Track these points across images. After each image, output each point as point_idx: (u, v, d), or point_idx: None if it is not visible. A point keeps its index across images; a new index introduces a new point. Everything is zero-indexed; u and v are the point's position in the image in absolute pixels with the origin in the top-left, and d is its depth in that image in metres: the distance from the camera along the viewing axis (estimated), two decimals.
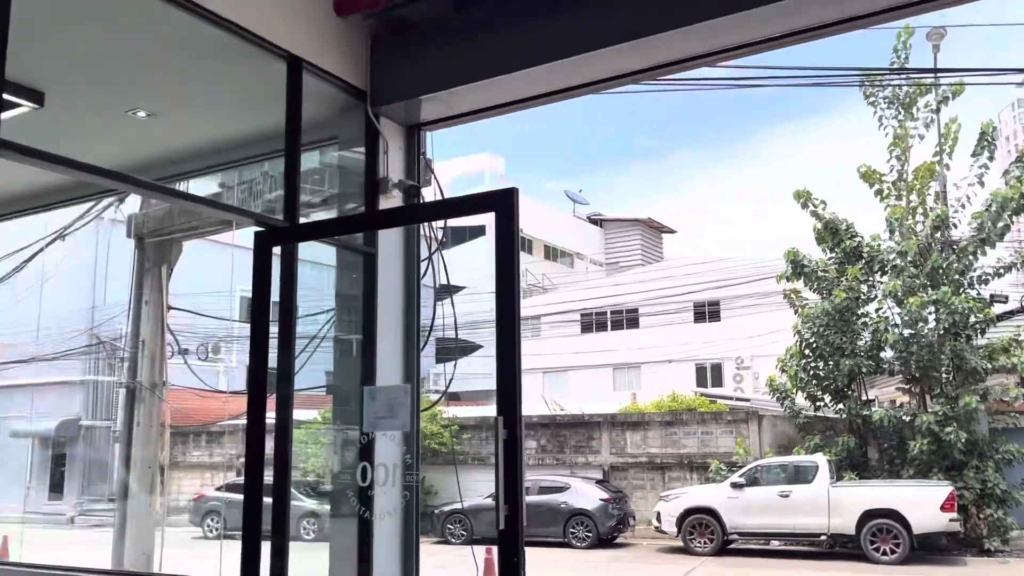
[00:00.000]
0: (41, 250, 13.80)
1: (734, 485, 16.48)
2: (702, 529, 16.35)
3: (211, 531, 19.65)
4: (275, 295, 4.41)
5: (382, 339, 4.81)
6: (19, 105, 4.52)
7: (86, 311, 23.95)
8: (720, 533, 16.20)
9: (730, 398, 22.30)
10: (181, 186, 5.99)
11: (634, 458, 19.95)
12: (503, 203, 3.64)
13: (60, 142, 3.66)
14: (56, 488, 25.88)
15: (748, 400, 21.43)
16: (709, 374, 29.86)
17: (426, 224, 5.22)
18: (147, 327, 11.34)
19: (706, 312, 30.18)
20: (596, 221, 41.96)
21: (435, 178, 5.52)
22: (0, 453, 25.65)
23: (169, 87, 4.83)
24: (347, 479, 5.03)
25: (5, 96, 3.31)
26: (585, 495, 17.60)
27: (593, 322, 32.32)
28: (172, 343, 12.64)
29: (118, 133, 5.30)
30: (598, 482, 18.79)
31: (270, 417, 4.41)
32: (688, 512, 16.48)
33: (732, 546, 16.62)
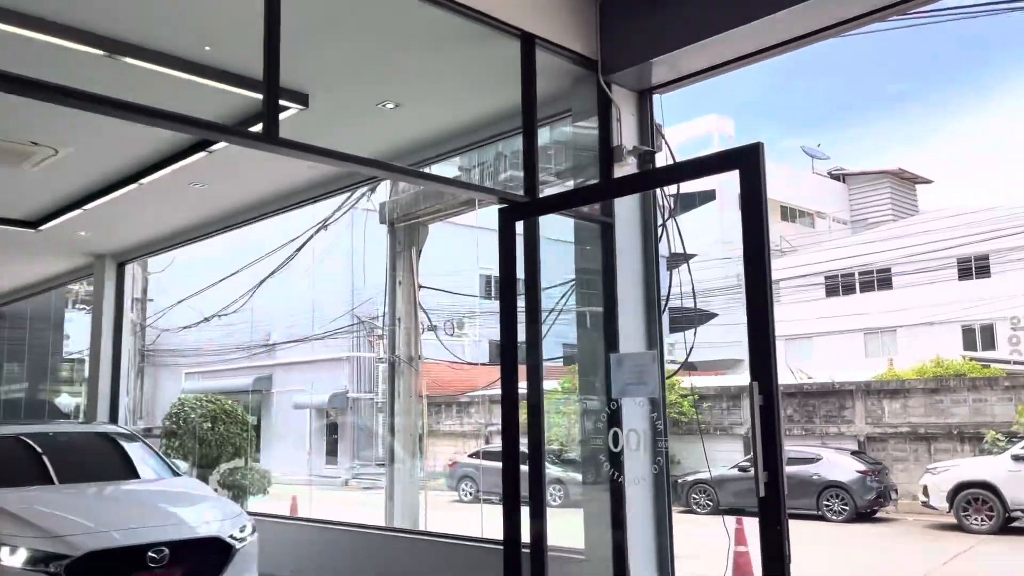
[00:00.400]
0: (309, 240, 15.34)
1: (1016, 458, 14.79)
2: (978, 505, 14.86)
3: (466, 495, 20.86)
4: (520, 272, 4.58)
5: (623, 307, 4.82)
6: (288, 108, 5.02)
7: (347, 294, 26.28)
8: (1001, 510, 14.63)
9: (1006, 362, 19.99)
10: (427, 171, 6.35)
11: (893, 428, 18.50)
12: (748, 159, 3.50)
13: (323, 138, 4.01)
14: (331, 454, 28.80)
15: None
16: (979, 336, 26.90)
17: (658, 191, 5.16)
18: (401, 305, 12.27)
19: (972, 268, 27.16)
20: (838, 176, 39.15)
21: (666, 143, 5.42)
22: (286, 423, 28.93)
23: (412, 78, 5.12)
24: (594, 447, 5.13)
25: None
26: (839, 467, 16.63)
27: (839, 284, 30.26)
28: (423, 320, 13.56)
29: (370, 125, 5.72)
30: (853, 453, 17.66)
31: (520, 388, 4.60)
32: (961, 487, 15.04)
33: (1015, 524, 14.97)
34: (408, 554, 6.42)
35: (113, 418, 8.98)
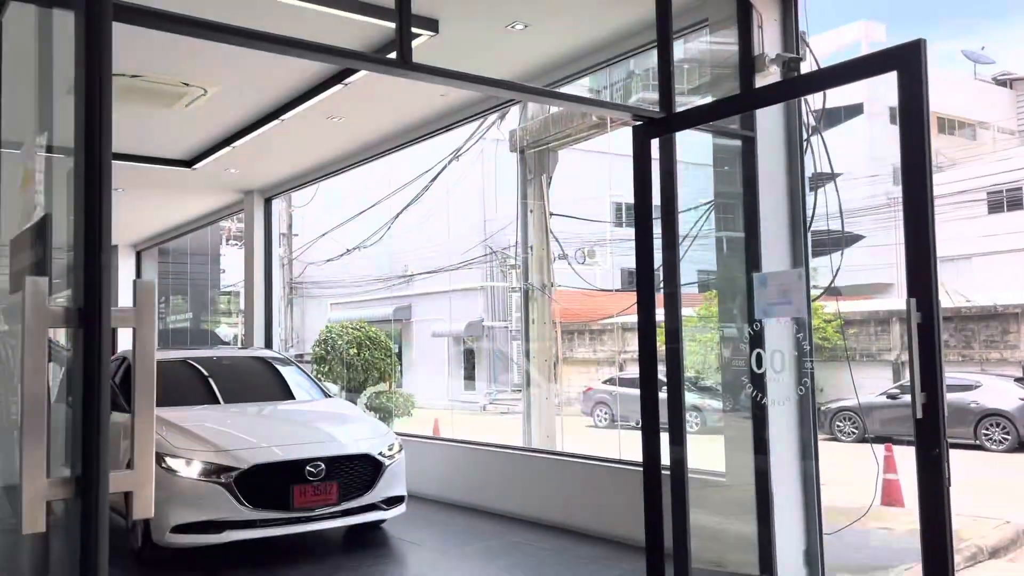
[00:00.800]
0: (441, 171, 15.55)
1: None
2: None
3: (601, 421, 21.08)
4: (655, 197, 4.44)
5: (765, 226, 4.63)
6: (419, 35, 5.03)
7: (480, 224, 26.64)
8: None
9: None
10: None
11: None
12: (908, 59, 3.21)
13: (454, 63, 3.98)
14: (468, 380, 29.72)
15: None
16: None
17: (803, 104, 4.86)
18: (533, 233, 12.30)
19: None
20: (1004, 82, 35.74)
21: (811, 51, 5.08)
22: (425, 352, 30.02)
23: None
24: (734, 373, 5.02)
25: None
26: (1000, 394, 15.62)
27: (1004, 199, 27.93)
28: (555, 248, 13.57)
29: (499, 49, 5.65)
30: (1016, 380, 16.53)
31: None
32: None
33: None
34: (547, 473, 6.57)
35: (268, 345, 9.58)
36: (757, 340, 4.19)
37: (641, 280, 4.50)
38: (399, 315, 29.96)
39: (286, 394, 6.96)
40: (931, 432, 3.18)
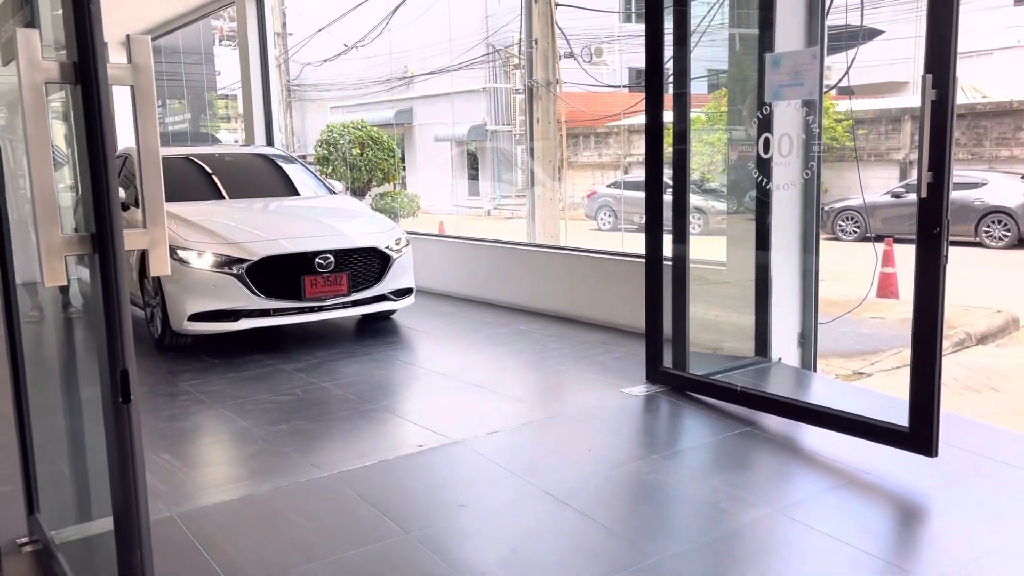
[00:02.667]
0: None
1: None
2: None
3: (604, 225, 21.24)
4: None
5: (781, 18, 4.41)
6: None
7: (481, 19, 25.49)
8: None
9: None
10: None
11: None
12: None
13: None
14: (472, 185, 29.69)
15: None
16: None
17: None
18: (538, 26, 11.79)
19: None
20: None
21: None
22: (427, 155, 29.75)
23: None
24: (739, 176, 4.99)
25: None
26: (1005, 191, 15.59)
27: None
28: (561, 43, 13.05)
29: None
30: (1023, 177, 16.44)
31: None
32: None
33: None
34: (552, 267, 6.71)
35: (270, 144, 9.48)
36: (766, 124, 4.11)
37: (650, 77, 4.36)
38: (400, 118, 29.40)
39: (291, 191, 6.97)
40: (933, 210, 3.20)
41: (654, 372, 4.62)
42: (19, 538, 2.87)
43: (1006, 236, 15.44)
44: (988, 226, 15.55)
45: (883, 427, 3.54)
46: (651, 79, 4.36)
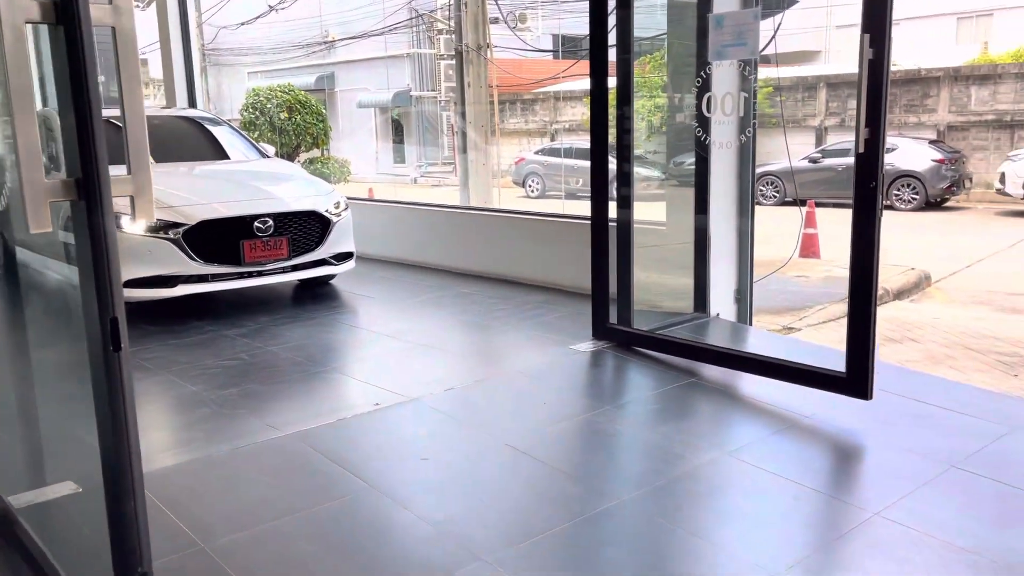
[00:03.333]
0: None
1: None
2: None
3: (532, 192, 21.34)
4: None
5: None
6: None
7: None
8: None
9: None
10: None
11: (978, 116, 17.81)
12: None
13: None
14: (398, 152, 29.35)
15: None
16: None
17: None
18: None
19: None
20: None
21: None
22: (351, 122, 29.21)
23: None
24: (678, 141, 5.12)
25: None
26: (914, 155, 16.33)
27: None
28: (492, 8, 12.95)
29: None
30: (931, 142, 17.24)
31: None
32: None
33: None
34: (489, 230, 6.75)
35: (192, 108, 9.18)
36: (707, 85, 4.22)
37: (594, 42, 4.39)
38: (321, 84, 28.74)
39: (220, 154, 6.79)
40: (870, 165, 3.36)
41: (600, 329, 4.73)
42: None
43: (915, 199, 16.19)
44: (898, 189, 16.27)
45: (822, 373, 3.73)
46: (595, 44, 4.38)
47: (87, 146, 1.49)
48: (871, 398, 3.56)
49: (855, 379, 3.58)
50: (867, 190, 3.41)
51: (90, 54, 1.47)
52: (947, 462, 3.17)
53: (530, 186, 21.39)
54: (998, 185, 15.57)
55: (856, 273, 3.55)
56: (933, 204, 16.24)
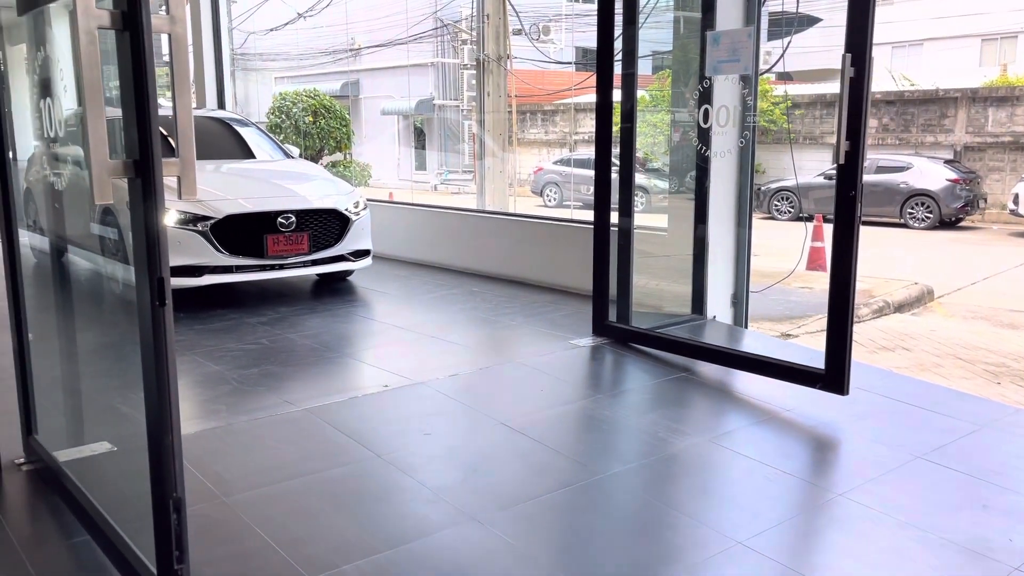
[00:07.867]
0: None
1: None
2: None
3: (551, 201, 21.63)
4: None
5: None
6: None
7: None
8: None
9: None
10: None
11: (994, 137, 17.90)
12: None
13: None
14: (419, 159, 29.74)
15: None
16: None
17: None
18: (490, 2, 12.01)
19: None
20: None
21: None
22: (374, 129, 29.65)
23: None
24: (682, 157, 5.37)
25: None
26: (929, 175, 16.46)
27: None
28: (513, 20, 13.29)
29: None
30: (946, 162, 17.36)
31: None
32: None
33: None
34: (503, 233, 7.03)
35: (221, 109, 9.54)
36: (706, 97, 4.49)
37: (601, 56, 4.64)
38: (347, 91, 29.20)
39: (247, 154, 7.13)
40: (850, 175, 3.61)
41: (600, 326, 5.00)
42: (17, 459, 3.10)
43: (928, 217, 16.31)
44: (912, 208, 16.40)
45: (802, 370, 3.98)
46: (602, 58, 4.65)
47: (144, 132, 1.79)
48: (847, 394, 3.79)
49: (833, 376, 3.82)
50: (847, 198, 3.67)
51: (150, 57, 1.77)
52: (913, 453, 3.40)
53: (548, 195, 21.69)
54: (1011, 206, 15.67)
55: (836, 275, 3.79)
56: (947, 223, 16.35)
